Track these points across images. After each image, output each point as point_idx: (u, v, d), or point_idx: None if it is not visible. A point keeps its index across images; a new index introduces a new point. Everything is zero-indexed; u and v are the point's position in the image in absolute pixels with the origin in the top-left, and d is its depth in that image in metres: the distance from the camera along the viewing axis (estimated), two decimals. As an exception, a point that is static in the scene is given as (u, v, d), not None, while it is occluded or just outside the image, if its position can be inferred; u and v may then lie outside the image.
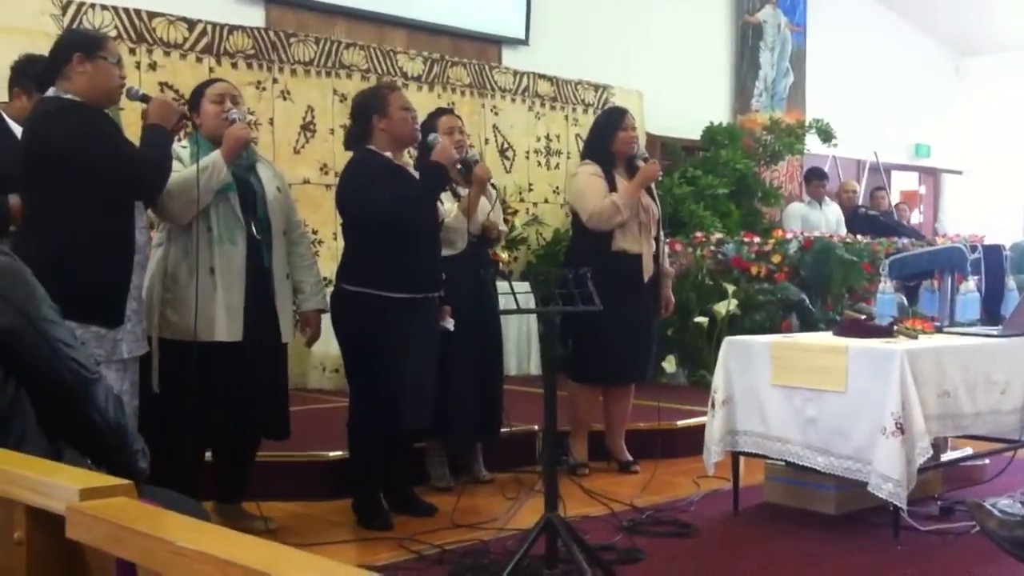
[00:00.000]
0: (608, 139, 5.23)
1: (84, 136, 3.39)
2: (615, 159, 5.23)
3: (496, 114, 8.73)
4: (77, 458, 1.99)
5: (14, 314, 1.87)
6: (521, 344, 7.59)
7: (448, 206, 4.69)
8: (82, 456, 2.02)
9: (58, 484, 1.39)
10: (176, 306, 3.80)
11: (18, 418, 1.89)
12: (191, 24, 6.96)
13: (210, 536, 1.19)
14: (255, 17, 7.43)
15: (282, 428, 4.09)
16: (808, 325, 7.11)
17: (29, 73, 4.09)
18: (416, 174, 4.36)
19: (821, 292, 7.65)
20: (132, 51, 6.59)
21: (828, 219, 9.19)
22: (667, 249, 5.75)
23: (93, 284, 3.30)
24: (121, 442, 2.05)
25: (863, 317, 4.63)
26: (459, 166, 4.58)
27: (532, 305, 4.35)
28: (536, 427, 5.34)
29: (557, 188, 9.04)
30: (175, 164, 3.76)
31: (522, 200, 8.67)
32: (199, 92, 4.06)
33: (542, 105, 9.11)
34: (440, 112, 5.04)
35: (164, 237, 3.91)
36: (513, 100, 8.88)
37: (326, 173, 7.50)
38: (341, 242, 7.11)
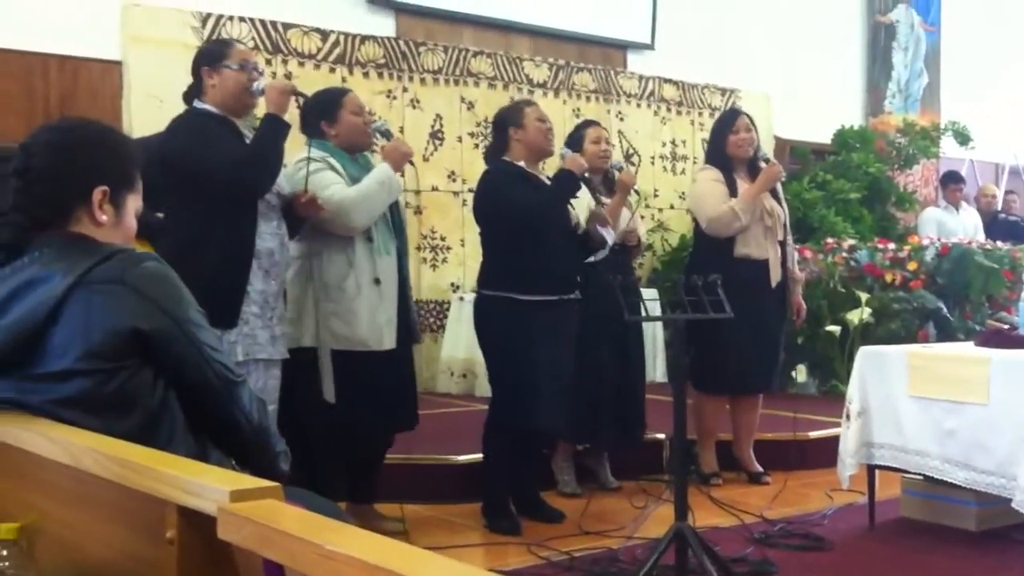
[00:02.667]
0: (722, 143, 5.17)
1: (192, 142, 3.50)
2: (733, 162, 5.15)
3: (621, 119, 8.70)
4: (223, 458, 2.05)
5: (164, 318, 1.93)
6: (647, 351, 7.53)
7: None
8: (227, 457, 2.07)
9: (209, 485, 1.42)
10: (345, 317, 3.89)
11: (167, 418, 1.95)
12: (324, 34, 7.13)
13: (358, 540, 1.20)
14: (386, 27, 7.56)
15: (412, 418, 4.17)
16: (946, 335, 6.89)
17: None
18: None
19: (959, 300, 7.40)
20: (268, 62, 6.78)
21: (965, 224, 8.89)
22: (796, 255, 5.62)
23: (206, 286, 3.35)
24: (264, 443, 2.10)
25: (1006, 327, 4.46)
26: (588, 175, 4.57)
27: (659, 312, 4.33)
28: (662, 435, 5.29)
29: (683, 194, 8.94)
30: (332, 176, 3.87)
31: (647, 206, 8.60)
32: (335, 101, 4.11)
33: (668, 110, 9.04)
34: (587, 124, 5.20)
35: (309, 249, 3.94)
36: (638, 105, 8.83)
37: (454, 180, 7.58)
38: (468, 248, 7.25)
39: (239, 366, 3.43)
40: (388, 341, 3.95)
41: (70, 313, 1.89)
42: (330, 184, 3.86)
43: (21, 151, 2.01)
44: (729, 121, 5.24)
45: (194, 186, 3.49)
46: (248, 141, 3.63)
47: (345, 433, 3.88)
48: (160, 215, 3.67)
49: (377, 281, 3.93)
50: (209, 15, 6.67)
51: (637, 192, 4.95)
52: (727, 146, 5.14)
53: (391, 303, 3.98)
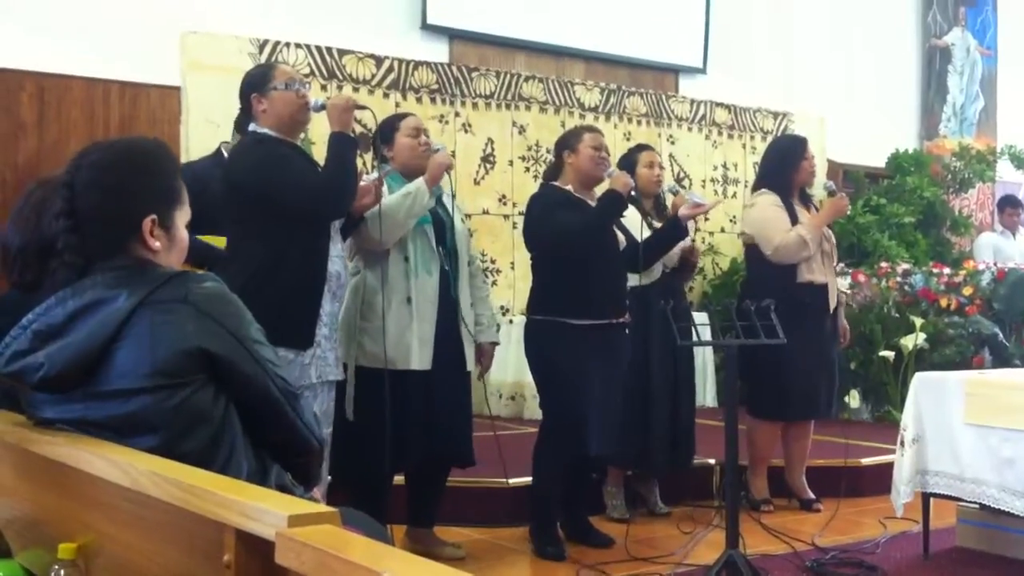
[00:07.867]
0: (791, 168, 5.10)
1: (265, 168, 3.48)
2: (793, 188, 5.12)
3: (672, 143, 8.69)
4: (282, 472, 2.07)
5: (228, 337, 1.96)
6: (697, 376, 7.48)
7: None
8: (284, 471, 2.09)
9: (267, 509, 1.42)
10: (374, 335, 3.89)
11: (228, 432, 1.98)
12: (379, 60, 7.21)
13: (417, 568, 1.20)
14: (440, 52, 7.64)
15: (468, 455, 4.13)
16: (1002, 361, 6.79)
17: None
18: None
19: (1016, 326, 7.28)
20: (323, 87, 6.87)
21: (1022, 249, 8.76)
22: (848, 280, 5.58)
23: (281, 308, 3.34)
24: (321, 455, 2.12)
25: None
26: (641, 199, 4.58)
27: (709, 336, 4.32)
28: (712, 461, 5.25)
29: (734, 217, 8.90)
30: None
31: (698, 230, 8.57)
32: (392, 126, 4.15)
33: (719, 133, 9.01)
34: (640, 148, 5.20)
35: (358, 267, 4.02)
36: (690, 129, 8.82)
37: (504, 204, 7.61)
38: (518, 271, 7.27)
39: (311, 388, 3.46)
40: (417, 361, 3.91)
41: (135, 332, 1.92)
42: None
43: (64, 188, 2.00)
44: (801, 147, 5.18)
45: (271, 212, 3.47)
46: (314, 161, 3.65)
47: (370, 451, 3.80)
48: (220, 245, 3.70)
49: (409, 300, 3.92)
50: (266, 41, 6.78)
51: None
52: (798, 172, 5.09)
53: (427, 323, 3.94)
